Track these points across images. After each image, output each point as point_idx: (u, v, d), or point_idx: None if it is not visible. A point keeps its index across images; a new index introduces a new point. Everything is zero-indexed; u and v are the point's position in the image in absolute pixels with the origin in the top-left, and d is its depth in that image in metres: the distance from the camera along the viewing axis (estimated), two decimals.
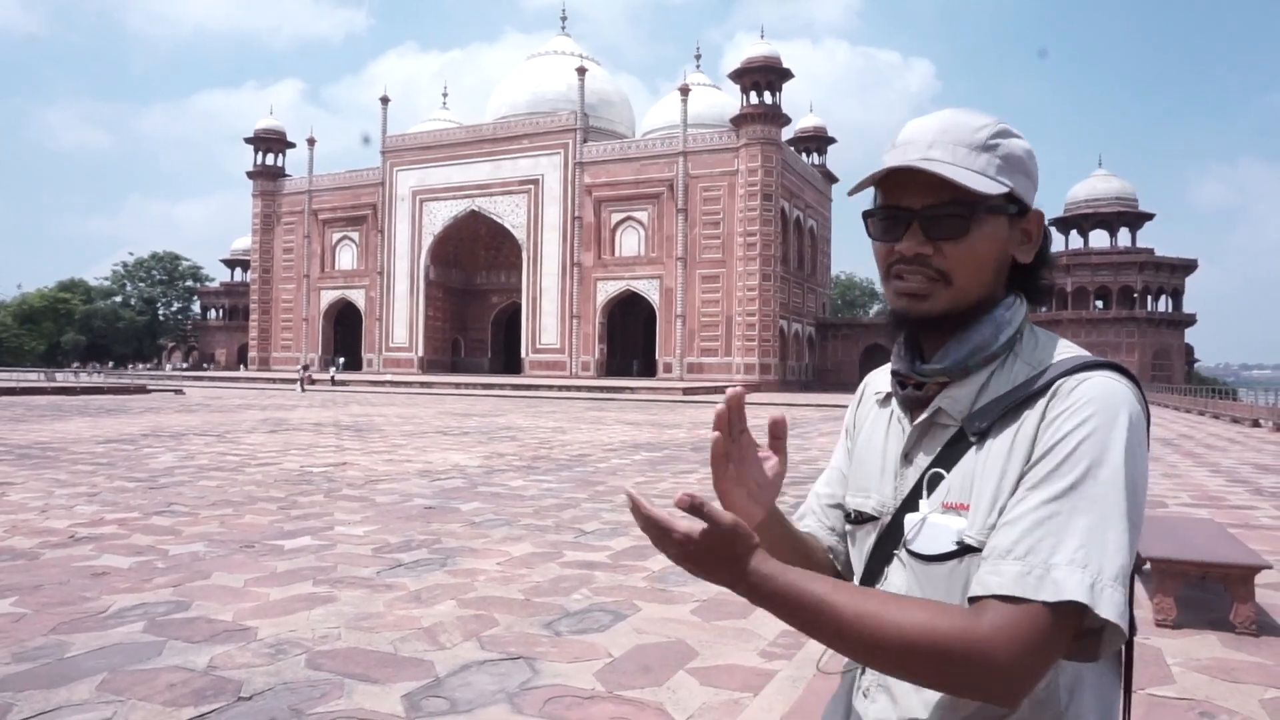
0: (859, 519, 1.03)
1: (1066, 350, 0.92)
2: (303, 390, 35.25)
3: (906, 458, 0.97)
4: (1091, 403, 0.83)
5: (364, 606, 4.14)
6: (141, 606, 4.06)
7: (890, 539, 0.96)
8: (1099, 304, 47.23)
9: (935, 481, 0.92)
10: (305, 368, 43.99)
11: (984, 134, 0.92)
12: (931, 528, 0.89)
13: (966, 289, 0.92)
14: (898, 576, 0.95)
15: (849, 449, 1.12)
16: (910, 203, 0.92)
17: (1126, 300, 46.21)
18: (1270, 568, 4.15)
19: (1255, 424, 22.06)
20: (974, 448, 0.89)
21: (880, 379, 1.10)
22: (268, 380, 43.85)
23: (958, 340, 0.93)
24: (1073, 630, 0.77)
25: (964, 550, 0.86)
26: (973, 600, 0.80)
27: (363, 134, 57.18)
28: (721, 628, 3.92)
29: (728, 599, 4.39)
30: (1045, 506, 0.80)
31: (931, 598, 0.87)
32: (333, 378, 41.78)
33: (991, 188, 0.89)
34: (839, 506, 1.12)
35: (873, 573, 0.98)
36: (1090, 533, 0.78)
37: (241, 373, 53.18)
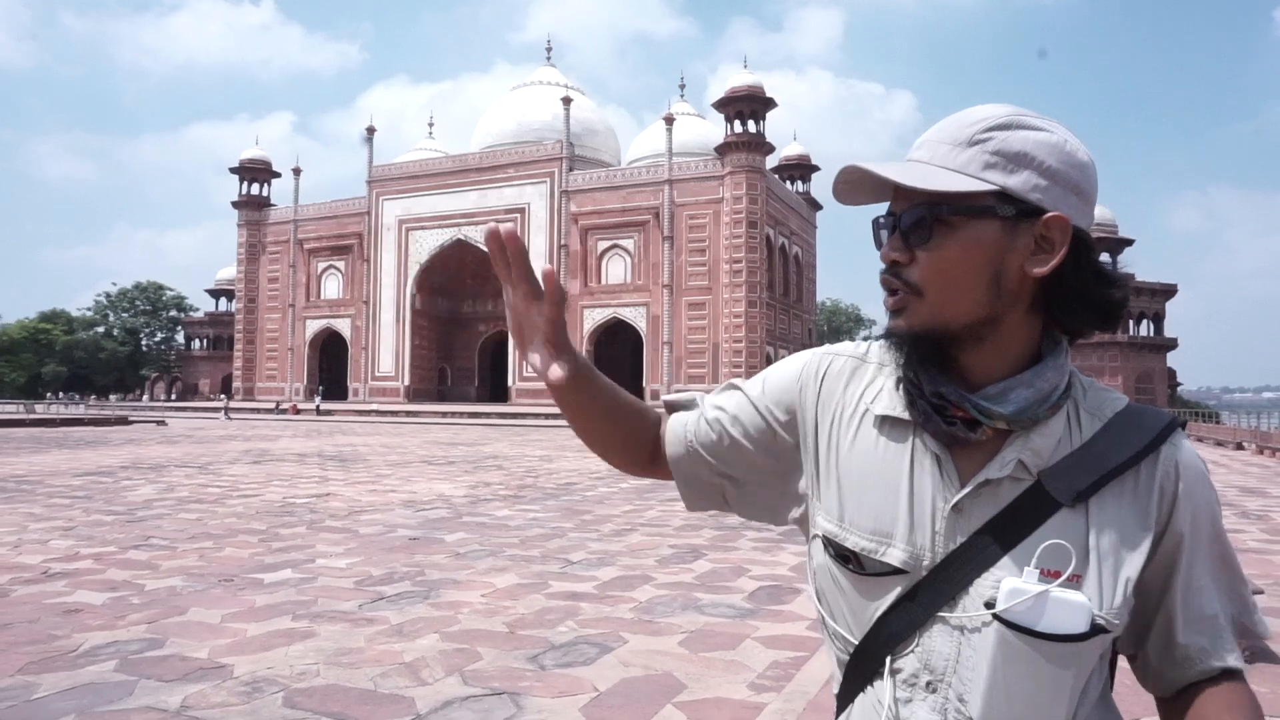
0: (866, 567, 0.85)
1: (1110, 393, 0.87)
2: (227, 418, 36.63)
3: (958, 507, 0.81)
4: (1200, 478, 0.84)
5: (344, 641, 4.04)
6: (114, 644, 3.95)
7: (935, 599, 0.81)
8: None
9: (1010, 536, 0.80)
10: (227, 397, 47.24)
11: (977, 127, 0.81)
12: (1059, 605, 0.76)
13: (941, 304, 0.80)
14: (943, 643, 0.81)
15: (800, 443, 0.93)
16: (896, 207, 0.84)
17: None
18: (1261, 593, 4.12)
19: (1239, 447, 22.21)
20: (1068, 510, 0.79)
21: (858, 383, 0.91)
22: (252, 410, 43.51)
23: (1021, 383, 0.81)
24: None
25: (1095, 631, 0.78)
26: (1192, 683, 0.84)
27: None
28: (710, 659, 3.85)
29: (715, 630, 4.33)
30: (1213, 580, 0.84)
31: (1014, 675, 0.78)
32: (317, 407, 41.50)
33: (961, 185, 0.78)
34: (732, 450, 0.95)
35: (896, 634, 0.83)
36: (1241, 587, 0.87)
37: (217, 403, 52.67)
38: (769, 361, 48.32)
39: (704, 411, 0.99)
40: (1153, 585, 0.83)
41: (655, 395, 45.28)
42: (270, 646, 3.94)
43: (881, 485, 0.86)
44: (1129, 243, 49.76)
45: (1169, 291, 47.90)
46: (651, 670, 3.69)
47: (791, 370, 0.96)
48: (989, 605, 0.78)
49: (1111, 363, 45.23)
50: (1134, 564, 0.79)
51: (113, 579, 5.36)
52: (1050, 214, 0.78)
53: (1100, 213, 49.56)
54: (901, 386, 0.87)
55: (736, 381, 1.01)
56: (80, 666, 3.63)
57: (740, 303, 43.73)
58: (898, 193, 0.83)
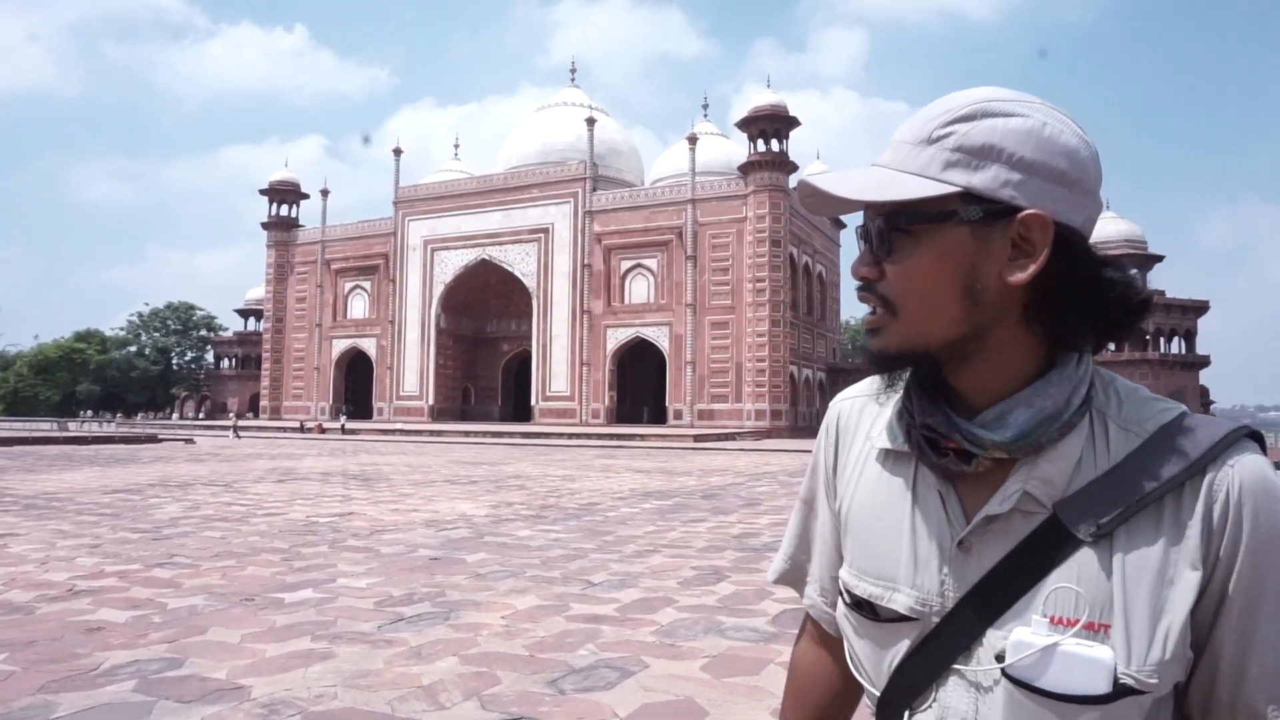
0: (880, 613, 0.79)
1: (1158, 403, 0.74)
2: (236, 435, 37.49)
3: (964, 546, 0.73)
4: (1269, 504, 0.69)
5: (363, 663, 4.01)
6: (134, 664, 3.94)
7: (947, 650, 0.73)
8: (1110, 347, 46.94)
9: (1022, 579, 0.71)
10: (235, 415, 48.57)
11: (937, 122, 0.71)
12: (1069, 659, 0.66)
13: (916, 321, 0.72)
14: (960, 700, 0.73)
15: (835, 509, 0.88)
16: (867, 217, 0.75)
17: (1139, 342, 45.95)
18: None
19: (1278, 467, 21.74)
20: (1089, 548, 0.69)
21: (869, 420, 0.86)
22: (278, 429, 44.01)
23: (1020, 403, 0.71)
24: None
25: (1121, 693, 0.66)
26: None
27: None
28: (732, 685, 3.77)
29: (739, 654, 4.24)
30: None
31: None
32: (342, 426, 41.85)
33: (920, 190, 0.70)
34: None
35: (911, 688, 0.76)
36: None
37: (227, 422, 53.27)
38: (793, 380, 47.79)
39: (808, 592, 0.96)
40: (1198, 635, 0.69)
41: (678, 415, 45.21)
42: (289, 667, 3.92)
43: (884, 525, 0.80)
44: (1159, 259, 49.11)
45: (1200, 308, 47.14)
46: (673, 695, 3.61)
47: (815, 449, 0.93)
48: (1000, 658, 0.70)
49: (1142, 380, 44.24)
50: (1177, 611, 0.67)
51: (136, 597, 5.37)
52: (1026, 212, 0.68)
53: (1128, 228, 49.02)
54: (900, 416, 0.80)
55: (804, 501, 0.96)
56: (100, 686, 3.62)
57: (764, 322, 43.59)
58: (873, 203, 0.74)
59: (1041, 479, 0.71)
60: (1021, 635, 0.68)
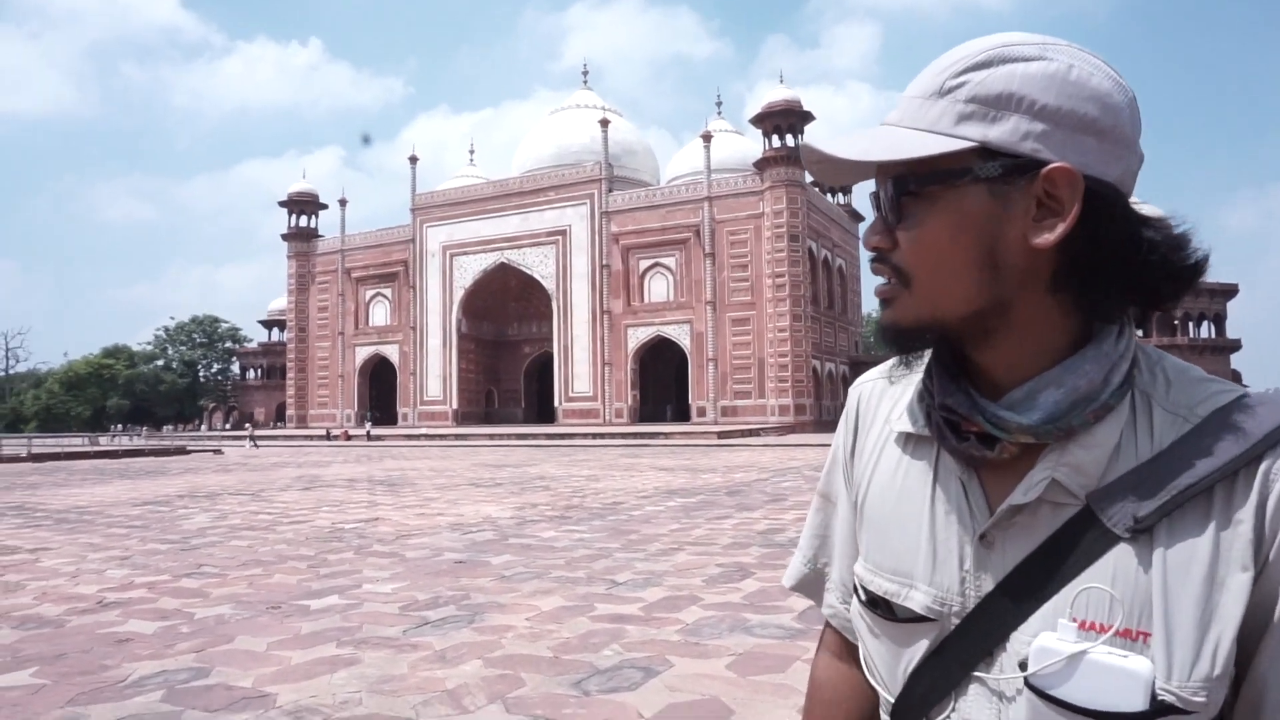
0: (897, 612, 0.72)
1: (1212, 384, 0.65)
2: (254, 445, 37.49)
3: (986, 540, 0.67)
4: None
5: (388, 668, 4.00)
6: (162, 674, 3.96)
7: (968, 654, 0.67)
8: (1139, 332, 46.36)
9: (1051, 578, 0.63)
10: (252, 425, 50.83)
11: (950, 71, 0.65)
12: (1099, 670, 0.58)
13: (931, 292, 0.66)
14: (981, 710, 0.66)
15: (854, 500, 0.81)
16: (879, 181, 0.69)
17: (1167, 327, 45.30)
18: None
19: None
20: (1126, 545, 0.61)
21: (889, 403, 0.79)
22: (305, 437, 44.46)
23: (1050, 382, 0.64)
24: None
25: (1160, 711, 0.58)
26: None
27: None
28: (759, 683, 3.73)
29: (765, 653, 4.20)
30: None
31: None
32: (368, 433, 42.19)
33: (930, 148, 0.63)
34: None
35: (928, 695, 0.69)
36: None
37: (243, 432, 53.86)
38: (815, 375, 47.57)
39: (829, 600, 0.88)
40: (1246, 645, 0.60)
41: (701, 412, 45.13)
42: (314, 674, 3.92)
43: (901, 516, 0.73)
44: None
45: (1229, 291, 46.38)
46: (698, 695, 3.58)
47: (834, 439, 0.86)
48: (1023, 666, 0.62)
49: None
50: (1228, 618, 0.59)
51: (164, 608, 5.41)
52: (1051, 166, 0.61)
53: (1151, 211, 48.08)
54: (921, 397, 0.73)
55: (822, 496, 0.88)
56: (128, 697, 3.64)
57: (784, 317, 43.43)
58: (882, 166, 0.67)
59: (1072, 466, 0.63)
60: (1046, 641, 0.61)
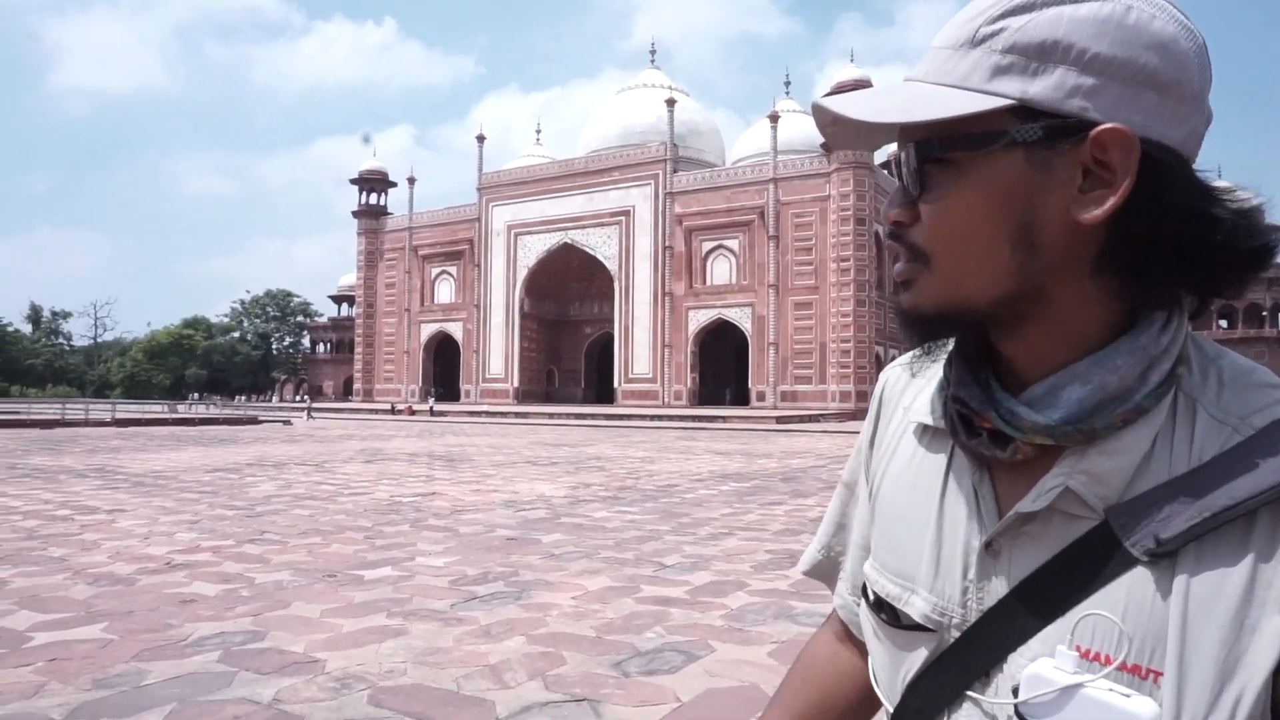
0: (894, 618, 0.66)
1: (1276, 391, 0.55)
2: (310, 418, 38.06)
3: (992, 548, 0.60)
4: None
5: (433, 641, 4.09)
6: (220, 635, 4.12)
7: (963, 671, 0.60)
8: (1223, 323, 44.33)
9: (1056, 597, 0.56)
10: (309, 398, 52.53)
11: (984, 16, 0.55)
12: (1095, 707, 0.50)
13: (954, 274, 0.57)
14: None
15: (870, 492, 0.75)
16: (901, 147, 0.60)
17: (1254, 319, 43.19)
18: None
19: None
20: (1144, 569, 0.53)
21: (913, 391, 0.73)
22: (370, 411, 45.69)
23: (1075, 376, 0.56)
24: None
25: None
26: None
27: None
28: None
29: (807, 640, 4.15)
30: None
31: None
32: (431, 409, 43.09)
33: (959, 106, 0.54)
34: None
35: (923, 710, 0.63)
36: None
37: (337, 403, 55.40)
38: (878, 361, 46.92)
39: (839, 589, 0.83)
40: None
41: (761, 396, 44.85)
42: (363, 643, 4.02)
43: (909, 514, 0.66)
44: (1275, 229, 46.04)
45: None
46: (737, 681, 3.56)
47: (872, 399, 0.80)
48: (1016, 692, 0.55)
49: (1258, 360, 41.71)
50: (1255, 669, 0.49)
51: (227, 571, 5.62)
52: (1102, 127, 0.51)
53: (1222, 186, 45.87)
54: (942, 386, 0.66)
55: (846, 483, 0.83)
56: (187, 656, 3.79)
57: (849, 302, 42.79)
58: (904, 129, 0.58)
59: (1090, 474, 0.55)
60: (1040, 669, 0.53)
